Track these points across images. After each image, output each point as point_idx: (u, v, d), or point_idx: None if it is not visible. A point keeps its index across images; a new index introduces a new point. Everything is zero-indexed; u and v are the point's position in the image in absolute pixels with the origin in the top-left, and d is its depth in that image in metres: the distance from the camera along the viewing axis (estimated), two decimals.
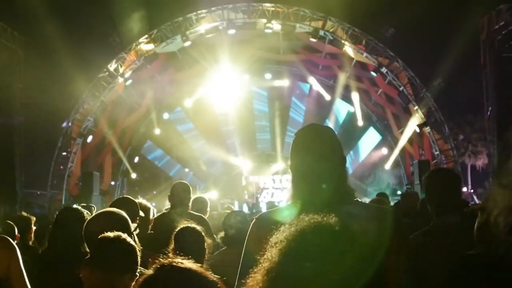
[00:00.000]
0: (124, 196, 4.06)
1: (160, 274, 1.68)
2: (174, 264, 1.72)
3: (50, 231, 3.91)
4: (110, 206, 3.73)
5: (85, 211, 4.00)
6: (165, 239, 3.83)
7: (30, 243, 5.03)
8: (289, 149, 2.34)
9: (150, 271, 1.68)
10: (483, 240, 2.20)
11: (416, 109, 18.03)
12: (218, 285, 1.89)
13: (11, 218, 5.11)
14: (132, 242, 2.36)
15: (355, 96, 20.02)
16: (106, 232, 2.34)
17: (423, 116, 17.95)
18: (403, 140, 19.21)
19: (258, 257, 2.22)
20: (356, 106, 20.45)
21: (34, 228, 5.13)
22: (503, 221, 2.06)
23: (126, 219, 2.89)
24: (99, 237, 2.33)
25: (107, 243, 2.29)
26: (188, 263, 1.77)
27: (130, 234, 2.70)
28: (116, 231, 2.37)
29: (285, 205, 2.38)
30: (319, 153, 2.24)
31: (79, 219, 3.93)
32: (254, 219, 2.42)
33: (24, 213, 5.22)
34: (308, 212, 2.16)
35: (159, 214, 5.31)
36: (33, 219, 5.16)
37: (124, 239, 2.32)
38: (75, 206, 4.15)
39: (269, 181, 23.18)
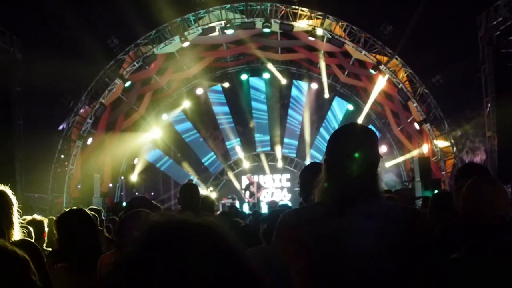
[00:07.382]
0: (141, 195, 4.03)
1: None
2: None
3: (59, 234, 3.89)
4: (128, 205, 3.71)
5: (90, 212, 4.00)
6: None
7: (44, 245, 5.02)
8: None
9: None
10: None
11: (416, 106, 18.07)
12: None
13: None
14: None
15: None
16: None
17: (422, 113, 17.99)
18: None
19: (288, 258, 2.21)
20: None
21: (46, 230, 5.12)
22: None
23: None
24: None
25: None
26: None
27: None
28: None
29: (312, 204, 2.35)
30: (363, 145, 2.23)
31: (87, 220, 3.93)
32: (279, 221, 2.38)
33: (37, 217, 5.19)
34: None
35: None
36: (46, 221, 5.15)
37: None
38: (80, 207, 4.11)
39: (269, 180, 23.21)
